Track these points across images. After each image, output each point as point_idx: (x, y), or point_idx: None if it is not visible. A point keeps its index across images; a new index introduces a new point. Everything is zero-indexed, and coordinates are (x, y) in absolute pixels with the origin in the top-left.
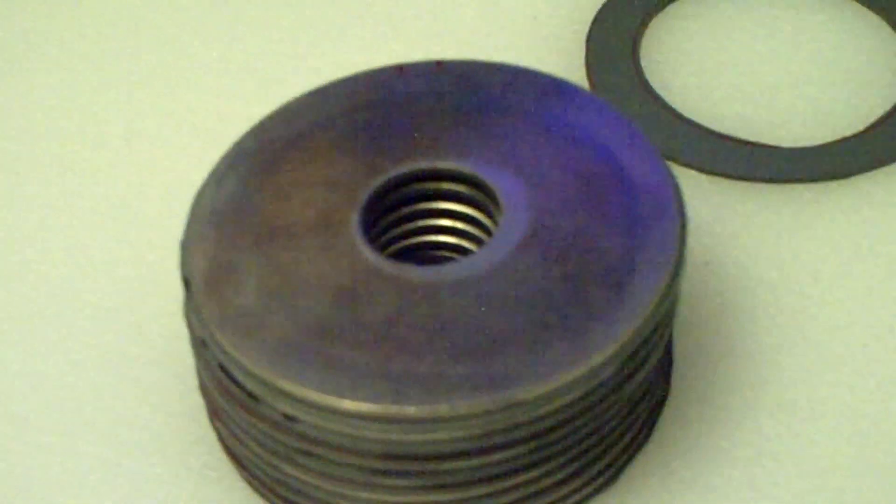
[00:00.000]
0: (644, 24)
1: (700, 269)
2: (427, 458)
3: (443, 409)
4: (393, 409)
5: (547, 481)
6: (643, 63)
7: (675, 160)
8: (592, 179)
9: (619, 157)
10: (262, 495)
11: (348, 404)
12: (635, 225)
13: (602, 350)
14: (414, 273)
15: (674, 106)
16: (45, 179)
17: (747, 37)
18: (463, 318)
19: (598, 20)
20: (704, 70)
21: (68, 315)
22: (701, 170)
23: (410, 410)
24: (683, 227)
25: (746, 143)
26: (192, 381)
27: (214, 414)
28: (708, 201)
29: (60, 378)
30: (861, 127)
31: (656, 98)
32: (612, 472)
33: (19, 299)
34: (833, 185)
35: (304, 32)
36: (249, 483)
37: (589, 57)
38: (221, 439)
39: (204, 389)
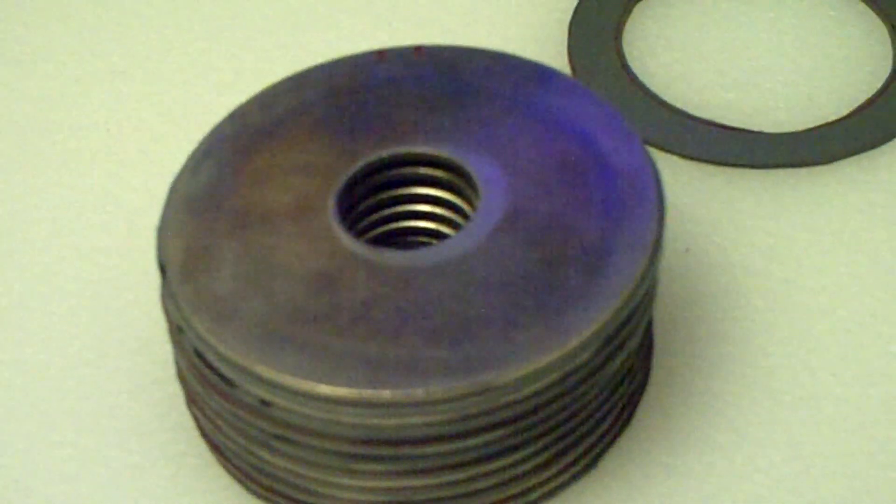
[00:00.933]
0: (627, 10)
1: (682, 255)
2: (403, 442)
3: (418, 393)
4: (369, 394)
5: (524, 466)
6: (625, 49)
7: (657, 146)
8: (571, 164)
9: (599, 142)
10: (240, 482)
11: (324, 389)
12: (613, 209)
13: (578, 333)
14: (390, 258)
15: (656, 92)
16: (23, 168)
17: (729, 23)
18: (439, 302)
19: (581, 6)
20: (686, 56)
21: (46, 303)
22: (683, 155)
23: (386, 395)
24: (661, 210)
25: (729, 128)
26: (170, 368)
27: (192, 401)
28: (690, 187)
29: (38, 366)
30: (843, 112)
31: (638, 84)
32: (591, 457)
33: None
34: (815, 170)
35: (285, 20)
36: (227, 470)
37: (571, 43)
38: (199, 426)
39: (181, 376)
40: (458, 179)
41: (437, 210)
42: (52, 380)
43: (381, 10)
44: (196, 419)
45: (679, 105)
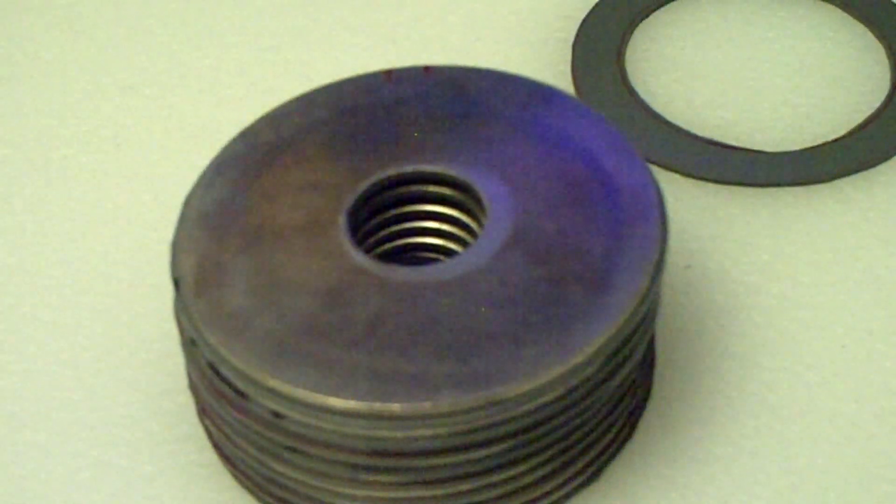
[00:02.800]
0: (629, 30)
1: (682, 272)
2: (411, 454)
3: (426, 406)
4: (378, 407)
5: (529, 478)
6: (628, 69)
7: (658, 164)
8: (576, 183)
9: (602, 161)
10: (251, 492)
11: (335, 402)
12: (617, 227)
13: (583, 349)
14: (399, 273)
15: (658, 111)
16: (36, 183)
17: (731, 43)
18: (447, 317)
19: (584, 26)
20: (688, 75)
21: (59, 316)
22: (684, 174)
23: (395, 408)
24: (664, 228)
25: (729, 147)
26: (181, 379)
27: (203, 412)
28: (691, 205)
29: (51, 377)
30: (843, 132)
31: (641, 103)
32: (594, 469)
33: (10, 300)
34: (815, 188)
35: (294, 39)
36: (238, 480)
37: (575, 62)
38: (210, 437)
39: (193, 388)
40: (465, 197)
41: (445, 227)
42: (63, 391)
43: (387, 29)
44: (207, 430)
45: (680, 124)
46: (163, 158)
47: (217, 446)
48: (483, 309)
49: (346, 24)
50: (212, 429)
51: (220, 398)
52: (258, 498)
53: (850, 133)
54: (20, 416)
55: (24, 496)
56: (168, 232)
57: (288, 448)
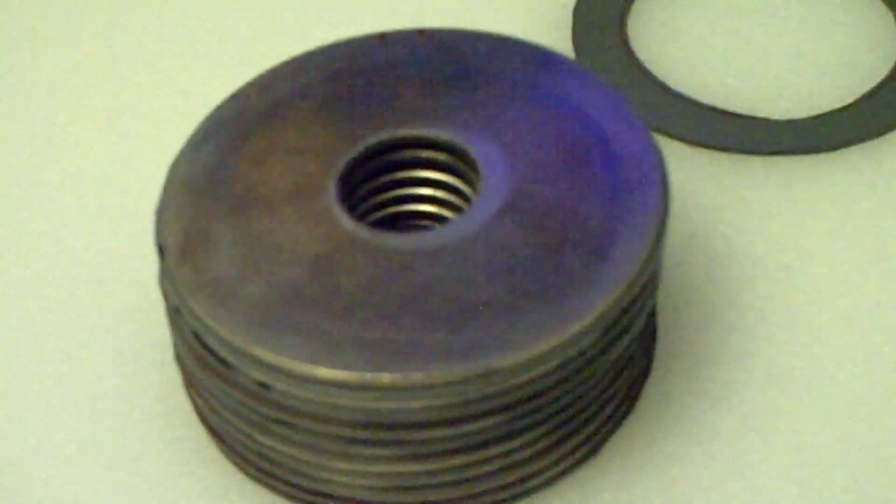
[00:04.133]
0: None
1: (686, 242)
2: (402, 426)
3: (418, 377)
4: (368, 377)
5: (525, 453)
6: (630, 35)
7: (661, 132)
8: (575, 148)
9: (603, 126)
10: (238, 466)
11: (323, 372)
12: (617, 193)
13: (580, 319)
14: (391, 241)
15: (661, 78)
16: (22, 151)
17: (735, 9)
18: (440, 285)
19: None
20: (692, 42)
21: (44, 285)
22: (688, 142)
23: (386, 378)
24: (666, 195)
25: (734, 115)
26: (168, 351)
27: (190, 384)
28: (694, 173)
29: (34, 349)
30: (849, 100)
31: (643, 69)
32: (593, 444)
33: None
34: (821, 157)
35: (286, 3)
36: (226, 454)
37: (576, 28)
38: (197, 410)
39: (179, 359)
40: (459, 162)
41: (439, 193)
42: (48, 363)
43: None
44: (194, 403)
45: (684, 91)
46: (152, 125)
47: (204, 419)
48: (477, 277)
49: None
50: (198, 401)
51: (205, 368)
52: (246, 472)
53: (857, 101)
54: (1, 389)
55: (8, 471)
56: (155, 199)
57: (275, 420)
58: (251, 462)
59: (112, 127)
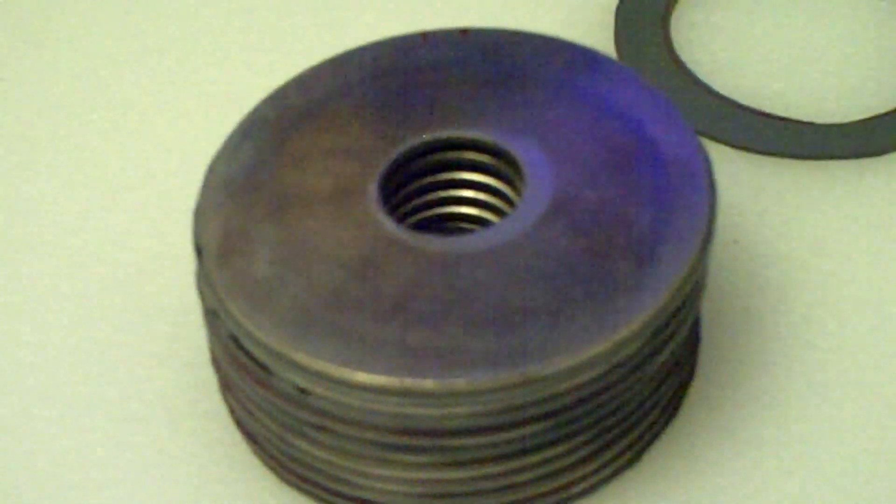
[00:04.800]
0: None
1: (730, 247)
2: (443, 433)
3: (460, 383)
4: (409, 383)
5: (566, 460)
6: (673, 36)
7: (704, 135)
8: (620, 151)
9: (648, 129)
10: (274, 471)
11: (363, 377)
12: (663, 198)
13: (626, 325)
14: (433, 244)
15: (704, 80)
16: (61, 148)
17: (780, 11)
18: (483, 290)
19: None
20: (735, 44)
21: (80, 286)
22: (731, 145)
23: (427, 384)
24: (713, 200)
25: (779, 118)
26: (204, 354)
27: (226, 387)
28: (737, 177)
29: (68, 349)
30: (894, 104)
31: (686, 71)
32: (635, 451)
33: (31, 269)
34: (866, 161)
35: (327, 0)
36: (262, 458)
37: (618, 29)
38: (233, 413)
39: (215, 362)
40: (503, 165)
41: (482, 196)
42: (81, 363)
43: None
44: (230, 406)
45: (727, 93)
46: (190, 123)
47: (239, 423)
48: (521, 282)
49: None
50: (234, 405)
51: (242, 372)
52: (281, 477)
53: None
54: (37, 390)
55: (42, 472)
56: (192, 196)
57: (313, 425)
58: (287, 467)
59: (150, 125)
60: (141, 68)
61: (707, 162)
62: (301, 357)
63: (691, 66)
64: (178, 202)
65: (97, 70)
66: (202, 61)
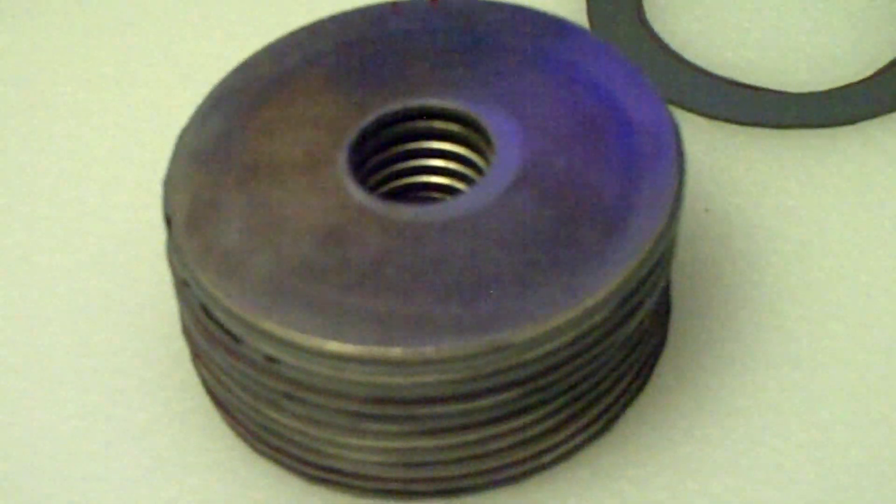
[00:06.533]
0: None
1: (701, 216)
2: (413, 402)
3: (429, 351)
4: (378, 351)
5: (537, 428)
6: (646, 6)
7: (676, 104)
8: (589, 119)
9: (618, 98)
10: (247, 441)
11: (333, 345)
12: (633, 165)
13: (595, 292)
14: (402, 212)
15: (676, 49)
16: (29, 119)
17: None
18: (452, 258)
19: None
20: (707, 12)
21: (48, 257)
22: (703, 114)
23: (396, 352)
24: (682, 167)
25: (750, 87)
26: (175, 325)
27: (197, 357)
28: (710, 146)
29: (39, 321)
30: (868, 72)
31: (658, 40)
32: (606, 420)
33: (0, 241)
34: (839, 130)
35: None
36: (234, 429)
37: None
38: (205, 383)
39: (187, 332)
40: (472, 134)
41: (451, 165)
42: (52, 335)
43: None
44: (202, 376)
45: (699, 62)
46: (159, 94)
47: (212, 394)
48: (490, 250)
49: None
50: (206, 375)
51: (213, 342)
52: (254, 448)
53: (876, 74)
54: (7, 361)
55: (13, 445)
56: (162, 167)
57: (283, 395)
58: (259, 437)
59: (123, 98)
60: (109, 39)
61: (676, 130)
62: (270, 326)
63: (664, 35)
64: (148, 174)
65: (66, 41)
66: (172, 31)
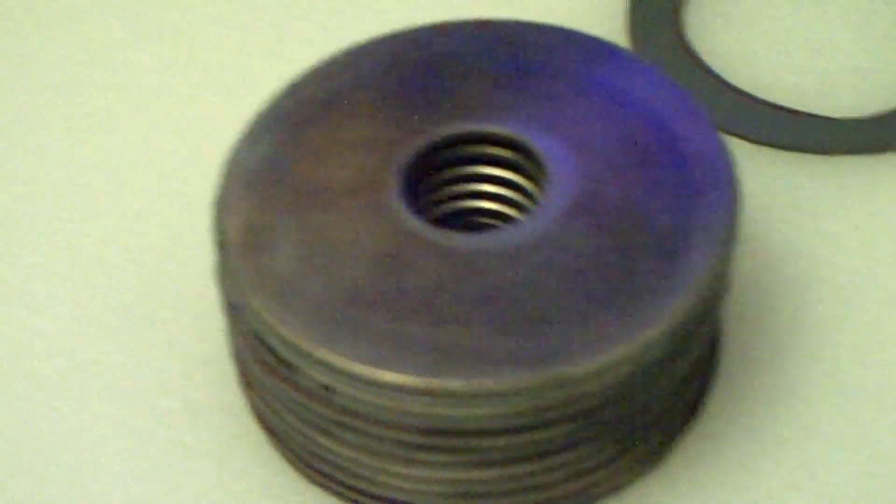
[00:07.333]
0: None
1: (748, 241)
2: (469, 433)
3: (487, 383)
4: (435, 383)
5: (592, 460)
6: (687, 27)
7: (719, 129)
8: (642, 146)
9: (670, 125)
10: (295, 466)
11: (388, 376)
12: (688, 195)
13: (654, 325)
14: (457, 240)
15: (718, 72)
16: (78, 136)
17: (793, 2)
18: (509, 288)
19: None
20: (749, 35)
21: (94, 276)
22: (747, 139)
23: (454, 385)
24: (737, 197)
25: (795, 112)
26: (222, 346)
27: (247, 382)
28: (755, 172)
29: (85, 340)
30: None
31: (700, 63)
32: (660, 450)
33: (47, 260)
34: (886, 157)
35: None
36: (282, 454)
37: (631, 19)
38: (253, 408)
39: (237, 357)
40: (525, 160)
41: (503, 191)
42: (97, 355)
43: None
44: (251, 401)
45: (741, 86)
46: (205, 112)
47: (260, 417)
48: (547, 280)
49: None
50: (255, 399)
51: (266, 368)
52: (302, 473)
53: None
54: (53, 381)
55: (58, 464)
56: (208, 187)
57: (337, 423)
58: (310, 463)
59: (168, 114)
60: (160, 56)
61: (730, 158)
62: (325, 354)
63: (704, 57)
64: (195, 191)
65: (115, 57)
66: (221, 50)
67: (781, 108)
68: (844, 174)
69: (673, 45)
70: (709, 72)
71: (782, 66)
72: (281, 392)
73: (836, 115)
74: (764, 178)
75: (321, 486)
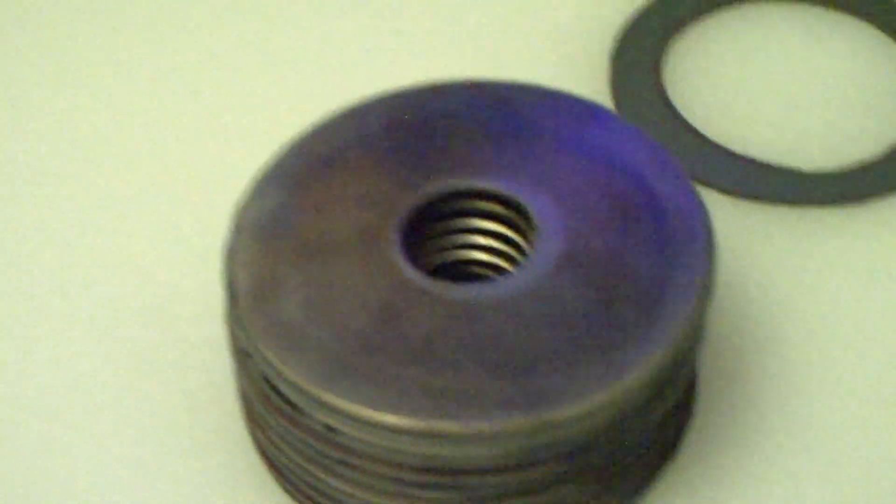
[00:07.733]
0: (666, 43)
1: (721, 290)
2: (462, 472)
3: (481, 426)
4: (432, 425)
5: (576, 497)
6: (666, 83)
7: (696, 181)
8: (624, 202)
9: (650, 182)
10: (297, 500)
11: (388, 418)
12: (666, 248)
13: (635, 371)
14: (453, 291)
15: (696, 126)
16: (87, 183)
17: (768, 58)
18: (501, 336)
19: (622, 39)
20: (726, 91)
21: (102, 317)
22: (722, 191)
23: (450, 427)
24: (712, 250)
25: (767, 165)
26: (227, 384)
27: (253, 422)
28: (729, 223)
29: (92, 379)
30: (881, 150)
31: (679, 118)
32: (639, 487)
33: (57, 301)
34: (853, 208)
35: (331, 49)
36: (285, 488)
37: (613, 76)
38: (258, 445)
39: (243, 397)
40: (515, 215)
41: (495, 244)
42: (105, 393)
43: (422, 40)
44: (256, 438)
45: (718, 140)
46: (214, 165)
47: (264, 454)
48: (536, 329)
49: (380, 34)
50: (260, 437)
51: (271, 409)
52: None
53: (890, 152)
54: (61, 418)
55: (68, 499)
56: (210, 235)
57: (339, 461)
58: (311, 498)
59: (174, 165)
60: (167, 109)
61: (705, 213)
62: (330, 398)
63: (683, 112)
64: (199, 239)
65: (126, 108)
66: (224, 110)
67: (754, 160)
68: (815, 225)
69: (653, 101)
70: (687, 127)
71: (755, 121)
72: (285, 431)
73: (808, 168)
74: (738, 228)
75: None
